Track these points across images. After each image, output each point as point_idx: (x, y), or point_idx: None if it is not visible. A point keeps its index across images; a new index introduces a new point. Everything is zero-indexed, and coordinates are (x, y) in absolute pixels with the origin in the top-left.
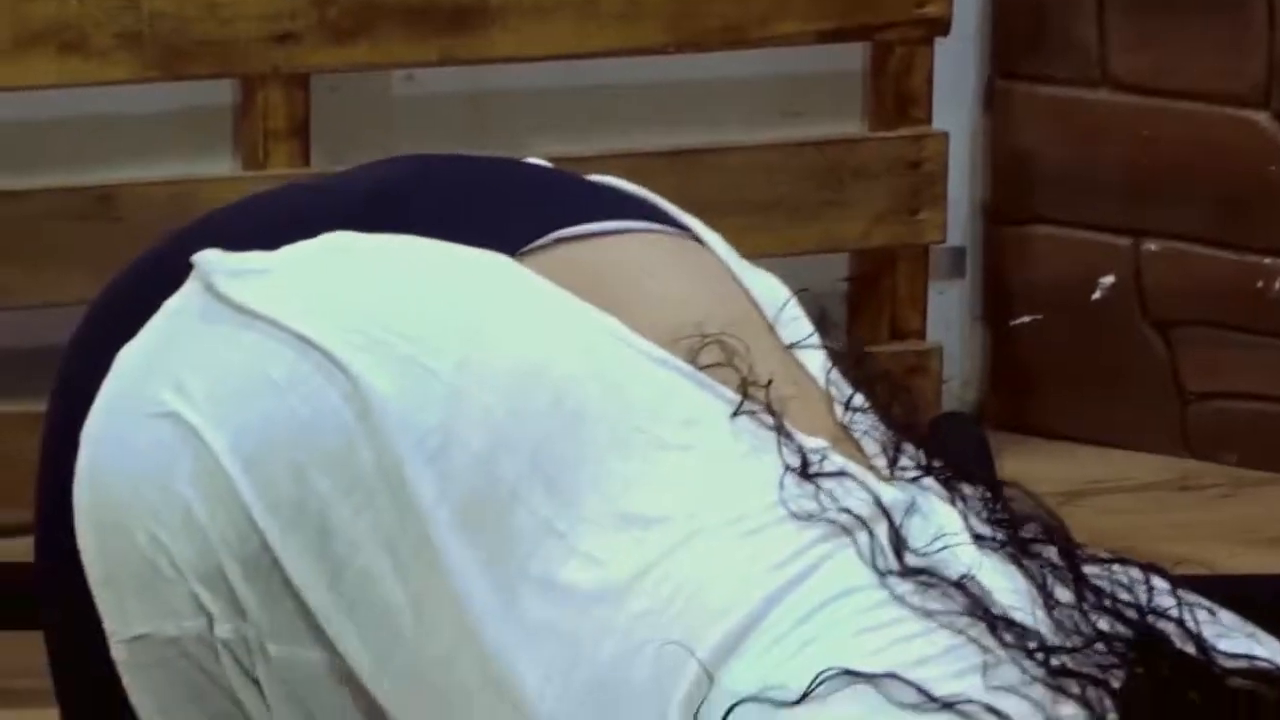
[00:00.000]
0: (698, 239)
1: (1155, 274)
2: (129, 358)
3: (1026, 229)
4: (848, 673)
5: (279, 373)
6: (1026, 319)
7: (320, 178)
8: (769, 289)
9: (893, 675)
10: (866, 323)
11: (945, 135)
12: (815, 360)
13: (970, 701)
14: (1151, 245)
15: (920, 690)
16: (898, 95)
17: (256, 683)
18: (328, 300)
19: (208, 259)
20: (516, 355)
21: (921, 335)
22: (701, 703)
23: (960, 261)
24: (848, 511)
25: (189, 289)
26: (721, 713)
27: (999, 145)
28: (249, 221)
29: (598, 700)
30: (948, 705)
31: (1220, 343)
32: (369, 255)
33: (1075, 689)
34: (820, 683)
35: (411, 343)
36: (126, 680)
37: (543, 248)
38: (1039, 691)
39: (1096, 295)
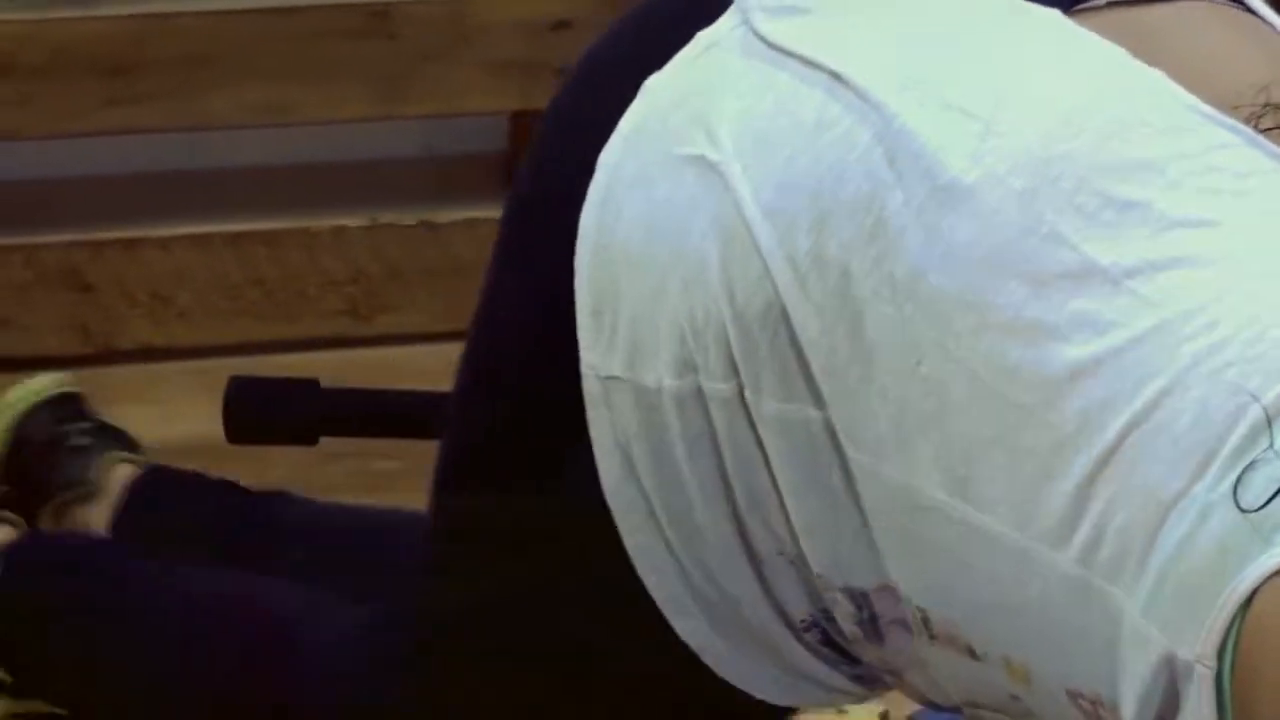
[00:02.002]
0: (1260, 16)
1: None
2: (659, 88)
3: None
4: None
5: (808, 115)
6: None
7: None
8: None
9: None
10: None
11: None
12: None
13: None
14: None
15: None
16: None
17: (757, 442)
18: (866, 41)
19: None
20: (1059, 96)
21: None
22: (1249, 464)
23: None
24: None
25: (727, 22)
26: (1274, 484)
27: None
28: None
29: (1139, 445)
30: None
31: None
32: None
33: None
34: None
35: (951, 86)
36: (591, 414)
37: (1095, 9)
38: None
39: None
